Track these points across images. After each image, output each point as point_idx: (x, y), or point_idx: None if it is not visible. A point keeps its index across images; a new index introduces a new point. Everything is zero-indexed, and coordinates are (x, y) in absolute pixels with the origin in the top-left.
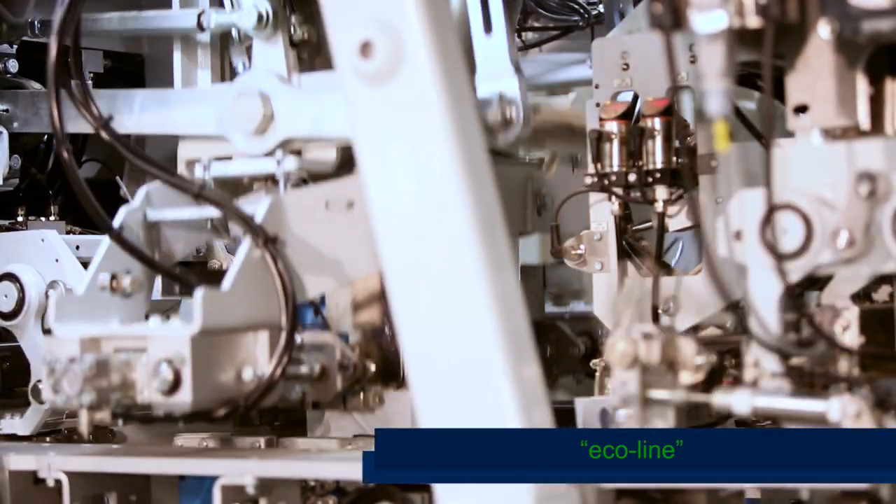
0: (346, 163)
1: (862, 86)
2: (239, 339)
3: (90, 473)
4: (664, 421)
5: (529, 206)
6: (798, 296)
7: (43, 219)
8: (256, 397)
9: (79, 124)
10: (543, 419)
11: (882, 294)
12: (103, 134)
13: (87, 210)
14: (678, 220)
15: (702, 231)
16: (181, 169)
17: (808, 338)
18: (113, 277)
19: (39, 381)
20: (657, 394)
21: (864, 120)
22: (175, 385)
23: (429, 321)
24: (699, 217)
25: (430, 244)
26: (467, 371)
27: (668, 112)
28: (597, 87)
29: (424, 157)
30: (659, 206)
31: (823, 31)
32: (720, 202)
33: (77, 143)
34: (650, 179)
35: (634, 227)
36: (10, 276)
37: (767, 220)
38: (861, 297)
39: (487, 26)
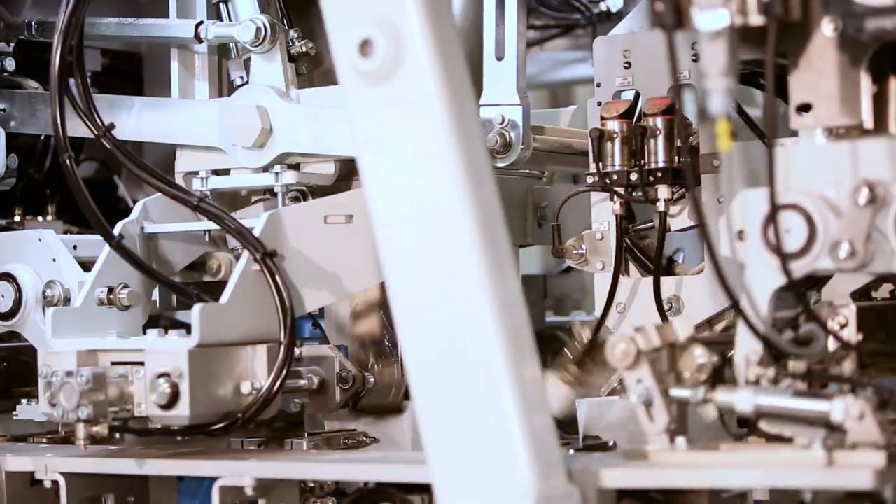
0: (344, 176)
1: (865, 84)
2: (237, 352)
3: (87, 475)
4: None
5: (530, 218)
6: (801, 295)
7: (40, 218)
8: (254, 411)
9: (77, 128)
10: (544, 422)
11: (882, 292)
12: (104, 143)
13: (90, 220)
14: (680, 219)
15: (705, 230)
16: (178, 180)
17: (806, 335)
18: (110, 290)
19: None
20: (678, 392)
21: (867, 119)
22: (173, 399)
23: (430, 322)
24: (702, 216)
25: (430, 244)
26: (469, 372)
27: (670, 111)
28: (598, 85)
29: (425, 157)
30: (661, 206)
31: (827, 29)
32: (722, 202)
33: (75, 142)
34: (652, 178)
35: (636, 227)
36: (8, 276)
37: (770, 219)
38: (860, 294)
39: (500, 53)
